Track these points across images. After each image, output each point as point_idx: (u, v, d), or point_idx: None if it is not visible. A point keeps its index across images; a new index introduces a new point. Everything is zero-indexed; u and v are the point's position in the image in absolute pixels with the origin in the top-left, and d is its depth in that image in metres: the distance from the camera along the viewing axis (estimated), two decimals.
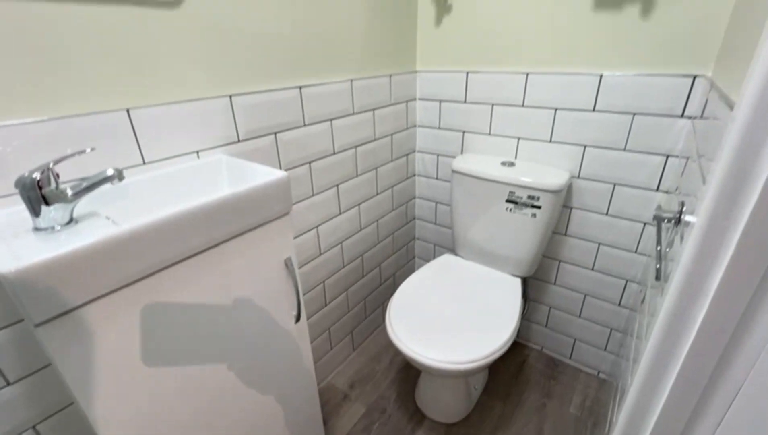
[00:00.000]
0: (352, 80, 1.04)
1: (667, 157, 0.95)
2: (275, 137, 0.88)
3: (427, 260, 1.59)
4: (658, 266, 0.60)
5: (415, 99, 1.32)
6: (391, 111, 1.22)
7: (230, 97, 0.77)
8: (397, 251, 1.49)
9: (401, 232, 1.48)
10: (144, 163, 0.66)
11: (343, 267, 1.22)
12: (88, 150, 0.49)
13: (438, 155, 1.36)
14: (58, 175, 0.48)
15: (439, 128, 1.31)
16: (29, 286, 0.39)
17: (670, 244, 0.64)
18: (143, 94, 0.64)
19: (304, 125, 0.94)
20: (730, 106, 0.49)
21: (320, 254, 1.11)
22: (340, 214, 1.15)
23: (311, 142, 0.97)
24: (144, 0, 0.61)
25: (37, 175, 0.46)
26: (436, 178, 1.41)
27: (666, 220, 0.63)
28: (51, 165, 0.47)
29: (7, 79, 0.50)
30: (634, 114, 0.96)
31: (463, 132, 1.26)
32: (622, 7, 0.90)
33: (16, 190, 0.50)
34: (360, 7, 0.99)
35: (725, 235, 0.34)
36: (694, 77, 0.86)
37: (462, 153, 1.30)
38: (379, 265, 1.40)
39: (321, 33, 0.91)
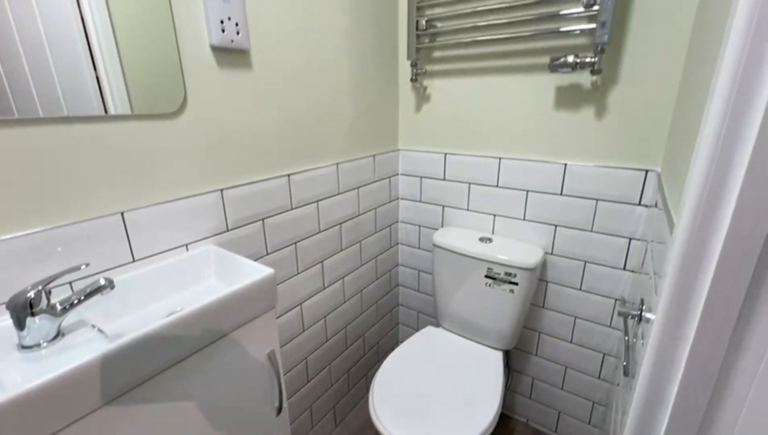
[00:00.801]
0: (338, 164, 1.11)
1: (630, 239, 1.02)
2: (263, 223, 0.92)
3: (411, 327, 1.60)
4: (625, 363, 0.63)
5: (397, 174, 1.40)
6: (375, 187, 1.29)
7: (221, 190, 0.81)
8: (381, 319, 1.49)
9: (385, 300, 1.49)
10: (134, 260, 0.68)
11: (327, 341, 1.22)
12: (83, 266, 0.51)
13: (420, 226, 1.42)
14: (50, 292, 0.50)
15: (421, 201, 1.38)
16: (10, 418, 0.39)
17: (636, 337, 0.69)
18: (139, 196, 0.68)
19: (291, 209, 0.99)
20: (671, 225, 0.56)
21: (303, 331, 1.11)
22: (324, 288, 1.16)
23: (298, 223, 1.01)
24: (147, 114, 0.67)
25: (31, 295, 0.48)
26: (419, 248, 1.45)
27: (630, 317, 0.68)
28: (43, 286, 0.49)
29: (7, 195, 0.53)
30: (597, 199, 1.04)
31: (443, 206, 1.33)
32: (579, 108, 1.01)
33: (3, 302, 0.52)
34: (347, 99, 1.09)
35: (678, 347, 0.39)
36: (646, 171, 0.96)
37: (443, 225, 1.36)
38: (362, 335, 1.40)
39: (310, 125, 0.99)
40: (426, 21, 1.12)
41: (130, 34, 0.63)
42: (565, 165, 1.06)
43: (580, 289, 1.14)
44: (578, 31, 0.91)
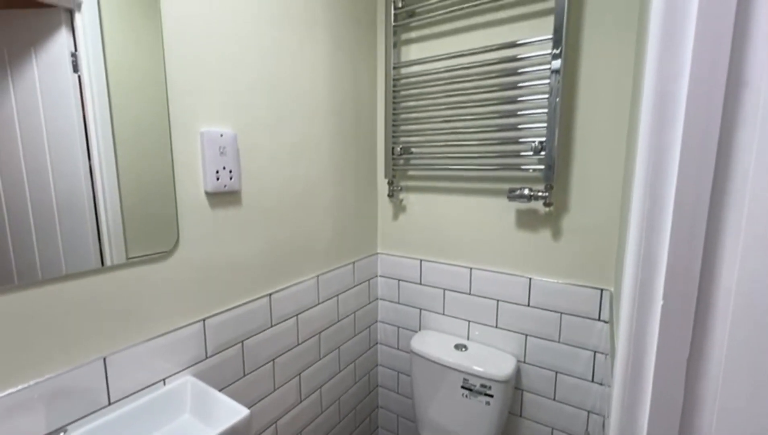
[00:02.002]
0: (318, 275, 1.17)
1: (594, 352, 1.08)
2: (242, 345, 0.94)
3: (392, 431, 1.54)
4: None
5: (377, 276, 1.46)
6: (354, 291, 1.34)
7: (204, 320, 0.85)
8: (360, 425, 1.45)
9: (364, 404, 1.46)
10: (110, 403, 0.69)
11: None
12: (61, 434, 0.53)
13: (399, 327, 1.45)
14: None
15: (399, 303, 1.43)
16: None
17: None
18: (122, 339, 0.71)
19: (271, 326, 1.02)
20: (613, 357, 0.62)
21: None
22: (301, 401, 1.15)
23: (276, 340, 1.04)
24: (140, 260, 0.72)
25: None
26: (398, 349, 1.47)
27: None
28: None
29: None
30: (562, 313, 1.11)
31: (420, 309, 1.38)
32: (537, 230, 1.12)
33: None
34: (329, 217, 1.18)
35: None
36: (601, 290, 1.05)
37: (420, 328, 1.39)
38: None
39: (293, 246, 1.06)
40: (401, 148, 1.27)
41: (133, 186, 0.71)
42: (530, 279, 1.15)
43: (554, 399, 1.16)
44: (532, 169, 1.05)
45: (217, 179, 0.83)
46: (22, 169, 0.60)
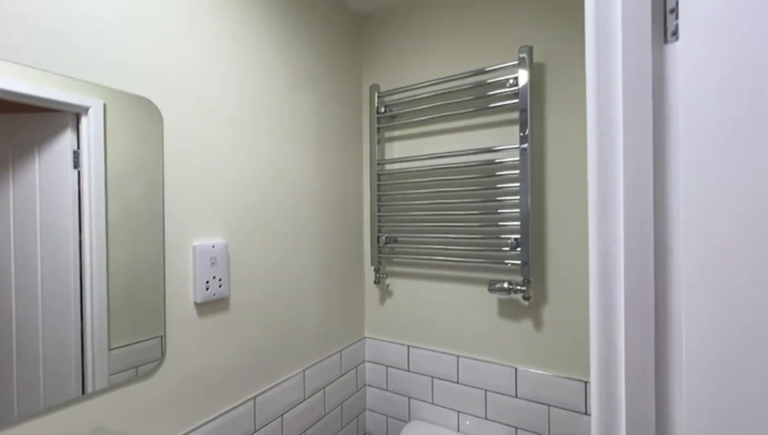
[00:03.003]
0: (304, 370, 1.16)
1: None
2: None
3: None
4: None
5: (364, 361, 1.44)
6: (341, 380, 1.31)
7: None
8: None
9: None
10: None
11: None
12: None
13: (387, 416, 1.41)
14: None
15: (387, 390, 1.40)
16: None
17: None
18: None
19: (255, 431, 0.99)
20: None
21: None
22: None
23: None
24: (123, 382, 0.72)
25: None
26: None
27: None
28: None
29: None
30: (549, 405, 1.11)
31: (409, 398, 1.36)
32: (519, 320, 1.16)
33: None
34: (315, 308, 1.20)
35: None
36: (586, 383, 1.06)
37: (410, 418, 1.35)
38: None
39: (280, 344, 1.07)
40: (386, 237, 1.33)
41: (122, 300, 0.73)
42: (516, 369, 1.16)
43: None
44: (510, 264, 1.11)
45: (207, 289, 0.86)
46: (11, 277, 0.61)
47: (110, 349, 0.71)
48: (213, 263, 0.87)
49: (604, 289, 0.49)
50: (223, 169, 0.91)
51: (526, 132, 1.05)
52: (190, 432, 0.83)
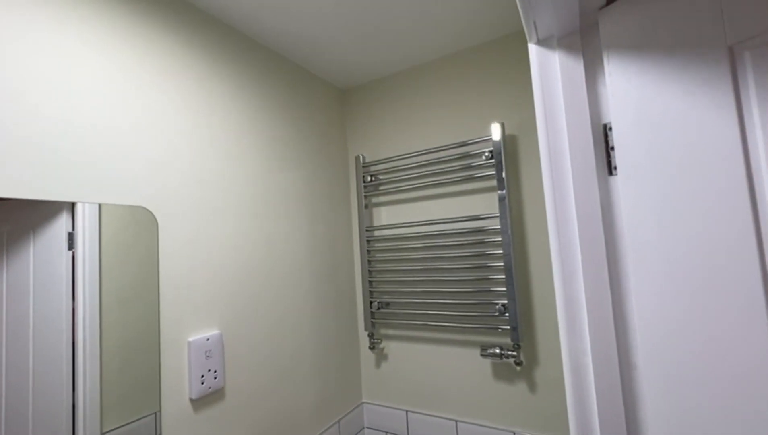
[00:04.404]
0: None
1: None
2: None
3: None
4: None
5: (363, 428, 1.43)
6: None
7: None
8: None
9: None
10: None
11: None
12: None
13: None
14: None
15: None
16: None
17: None
18: None
19: None
20: None
21: None
22: None
23: None
24: None
25: None
26: None
27: None
28: None
29: None
30: None
31: None
32: (514, 382, 1.17)
33: None
34: (311, 380, 1.20)
35: None
36: None
37: None
38: None
39: (276, 422, 1.06)
40: (378, 302, 1.36)
41: (115, 403, 0.73)
42: (514, 433, 1.16)
43: None
44: (500, 329, 1.14)
45: (202, 383, 0.87)
46: (2, 360, 0.61)
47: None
48: (208, 356, 0.89)
49: (579, 402, 0.52)
50: (216, 258, 0.95)
51: (504, 198, 1.11)
52: None
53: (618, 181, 0.50)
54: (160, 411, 0.80)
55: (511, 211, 1.14)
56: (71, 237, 0.72)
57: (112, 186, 0.76)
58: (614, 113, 0.50)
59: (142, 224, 0.81)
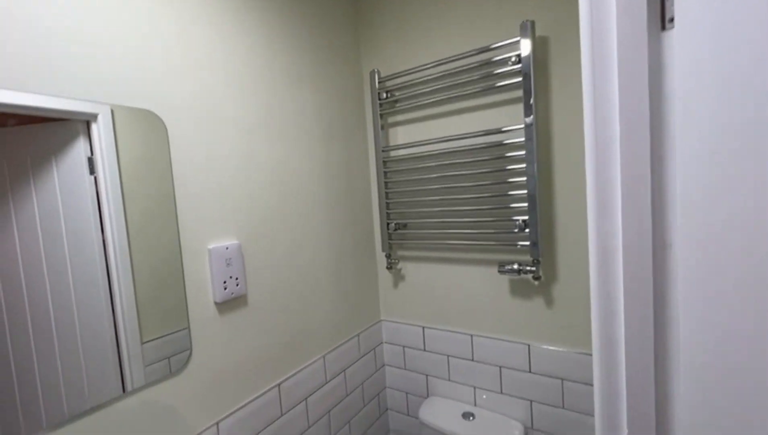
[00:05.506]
0: (324, 356, 1.21)
1: None
2: None
3: None
4: None
5: (382, 343, 1.50)
6: (361, 363, 1.37)
7: (217, 423, 0.89)
8: None
9: None
10: None
11: None
12: None
13: (407, 393, 1.47)
14: None
15: (405, 369, 1.46)
16: None
17: None
18: None
19: (281, 415, 1.06)
20: None
21: None
22: None
23: (287, 428, 1.07)
24: (158, 379, 0.78)
25: None
26: (407, 415, 1.48)
27: None
28: None
29: None
30: (563, 379, 1.14)
31: (427, 375, 1.41)
32: (530, 298, 1.17)
33: None
34: (330, 295, 1.24)
35: None
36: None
37: (428, 394, 1.41)
38: None
39: (298, 331, 1.12)
40: (395, 223, 1.35)
41: (149, 305, 0.78)
42: (529, 345, 1.19)
43: None
44: (519, 245, 1.12)
45: (225, 289, 0.90)
46: (46, 285, 0.66)
47: (143, 343, 0.77)
48: (228, 264, 0.91)
49: (604, 284, 0.50)
50: (230, 171, 0.93)
51: (531, 109, 1.03)
52: (222, 420, 0.90)
53: (672, 37, 0.43)
54: (187, 313, 0.84)
55: (537, 122, 1.06)
56: (91, 162, 0.73)
57: (122, 91, 0.73)
58: None
59: (153, 134, 0.79)
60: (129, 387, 0.74)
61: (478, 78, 1.14)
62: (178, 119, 0.83)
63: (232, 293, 0.92)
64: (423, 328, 1.40)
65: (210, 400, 0.88)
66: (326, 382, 1.22)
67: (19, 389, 0.63)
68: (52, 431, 0.64)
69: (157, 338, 0.79)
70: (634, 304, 0.48)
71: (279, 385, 1.05)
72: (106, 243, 0.73)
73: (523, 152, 1.07)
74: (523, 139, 1.06)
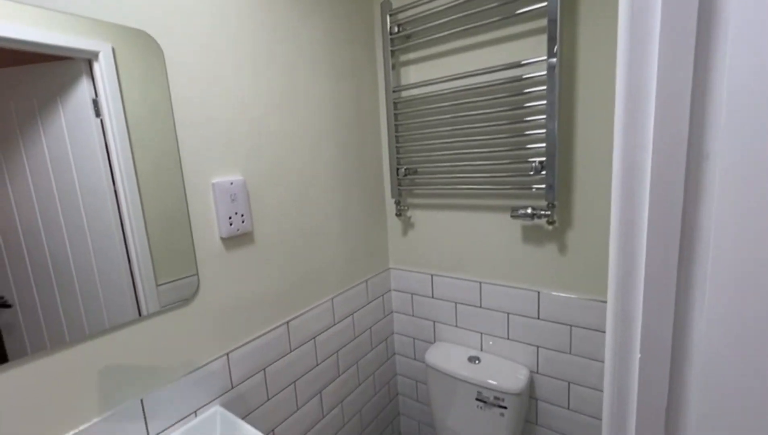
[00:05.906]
0: (333, 298, 1.22)
1: None
2: (264, 373, 1.01)
3: None
4: None
5: (390, 290, 1.51)
6: (369, 308, 1.39)
7: (227, 354, 0.92)
8: (382, 432, 1.51)
9: (386, 413, 1.53)
10: None
11: None
12: None
13: (414, 338, 1.50)
14: None
15: (413, 315, 1.48)
16: None
17: None
18: (156, 380, 0.79)
19: (290, 352, 1.08)
20: None
21: None
22: (323, 416, 1.22)
23: (296, 364, 1.10)
24: (170, 307, 0.80)
25: None
26: (414, 359, 1.52)
27: None
28: None
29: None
30: (571, 326, 1.13)
31: (434, 322, 1.42)
32: (543, 245, 1.14)
33: None
34: (339, 240, 1.23)
35: None
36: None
37: (435, 339, 1.44)
38: None
39: (307, 273, 1.12)
40: (405, 169, 1.30)
41: (158, 237, 0.78)
42: (539, 292, 1.17)
43: (568, 408, 1.19)
44: (534, 188, 1.07)
45: (230, 225, 0.89)
46: (61, 222, 0.66)
47: (156, 279, 0.78)
48: (233, 199, 0.90)
49: (627, 200, 0.46)
50: (231, 104, 0.89)
51: (555, 41, 0.94)
52: (234, 350, 0.93)
53: None
54: (193, 246, 0.84)
55: (561, 57, 0.97)
56: (96, 103, 0.70)
57: (112, 6, 0.68)
58: None
59: (151, 60, 0.75)
60: (144, 312, 0.76)
61: (498, 5, 1.04)
62: (175, 43, 0.78)
63: (238, 229, 0.91)
64: (431, 275, 1.39)
65: (220, 331, 0.90)
66: (334, 324, 1.24)
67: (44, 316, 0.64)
68: (74, 347, 0.66)
69: (165, 265, 0.79)
70: (659, 235, 0.44)
71: (288, 322, 1.07)
72: (116, 183, 0.72)
73: (544, 87, 0.99)
74: (544, 72, 0.98)
